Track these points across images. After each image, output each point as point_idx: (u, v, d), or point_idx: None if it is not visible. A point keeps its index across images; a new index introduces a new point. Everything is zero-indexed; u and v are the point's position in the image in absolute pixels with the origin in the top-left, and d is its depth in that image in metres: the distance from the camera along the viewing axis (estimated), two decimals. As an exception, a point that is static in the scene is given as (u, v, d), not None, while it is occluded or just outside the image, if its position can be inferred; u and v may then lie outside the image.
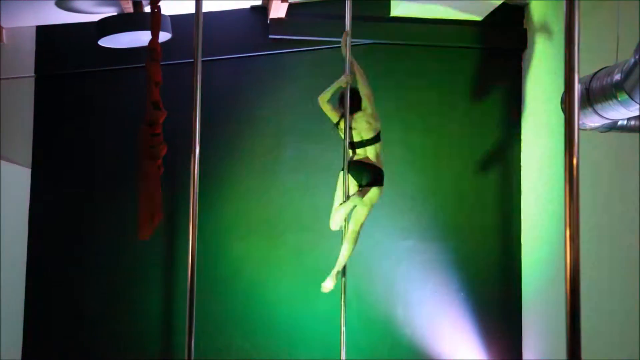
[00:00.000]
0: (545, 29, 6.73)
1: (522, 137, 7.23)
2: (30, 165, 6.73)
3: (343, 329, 5.30)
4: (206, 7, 5.60)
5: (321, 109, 5.32)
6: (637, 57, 3.37)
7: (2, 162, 6.11)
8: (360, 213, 5.23)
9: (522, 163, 7.23)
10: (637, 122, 4.24)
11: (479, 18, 6.95)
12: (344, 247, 5.26)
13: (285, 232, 6.91)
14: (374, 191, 5.23)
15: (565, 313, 2.48)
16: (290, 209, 7.00)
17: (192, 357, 3.66)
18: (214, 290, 6.76)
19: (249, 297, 6.88)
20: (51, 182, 6.82)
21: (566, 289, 2.48)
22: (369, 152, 5.29)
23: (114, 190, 6.84)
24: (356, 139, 5.27)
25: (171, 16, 5.78)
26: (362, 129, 5.26)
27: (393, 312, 7.00)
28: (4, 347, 6.22)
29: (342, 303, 5.28)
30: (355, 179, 5.26)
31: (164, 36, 5.49)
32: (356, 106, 5.25)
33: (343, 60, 5.34)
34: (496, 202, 7.26)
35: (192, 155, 3.73)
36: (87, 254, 6.83)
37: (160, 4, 4.77)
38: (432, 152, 7.22)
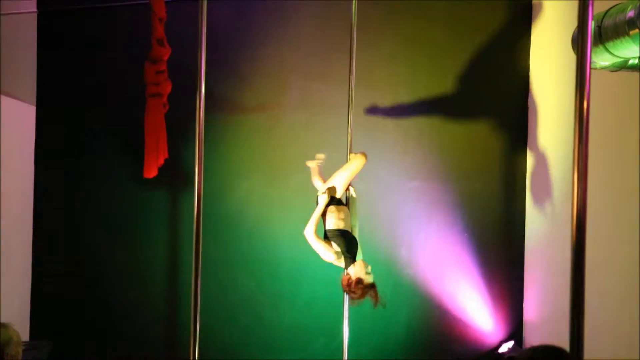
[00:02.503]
0: None
1: (530, 78, 7.15)
2: (34, 102, 6.70)
3: (344, 272, 5.35)
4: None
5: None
6: (651, -6, 3.30)
7: (7, 98, 6.06)
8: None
9: (529, 104, 7.17)
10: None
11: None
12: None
13: (289, 171, 6.92)
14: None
15: (570, 251, 2.50)
16: (295, 148, 6.99)
17: (199, 294, 3.69)
18: (219, 230, 6.81)
19: (254, 236, 6.94)
20: (56, 119, 6.81)
21: (572, 228, 2.49)
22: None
23: (119, 127, 6.83)
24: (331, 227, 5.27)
25: (175, -49, 5.66)
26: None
27: (396, 252, 7.06)
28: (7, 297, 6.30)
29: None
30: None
31: (167, -29, 5.39)
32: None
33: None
34: (502, 144, 7.23)
35: (198, 93, 3.69)
36: (92, 192, 6.86)
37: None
38: (438, 94, 7.15)
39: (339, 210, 5.24)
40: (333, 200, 5.29)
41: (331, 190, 5.29)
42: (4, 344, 2.96)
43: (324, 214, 5.25)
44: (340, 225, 5.19)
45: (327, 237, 5.20)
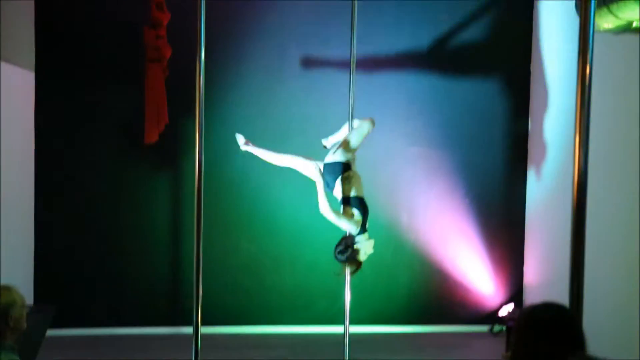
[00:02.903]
0: None
1: (533, 43, 7.10)
2: (33, 69, 6.65)
3: (347, 232, 5.38)
4: None
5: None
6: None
7: (5, 64, 6.01)
8: None
9: (531, 70, 7.13)
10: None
11: None
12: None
13: (290, 135, 6.90)
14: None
15: (571, 215, 2.51)
16: (296, 112, 6.97)
17: (201, 260, 3.72)
18: (220, 195, 6.83)
19: (255, 200, 6.96)
20: (55, 85, 6.76)
21: (573, 192, 2.50)
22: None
23: (120, 93, 6.79)
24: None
25: None
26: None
27: (397, 217, 7.08)
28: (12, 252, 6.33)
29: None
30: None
31: None
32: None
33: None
34: (504, 109, 7.21)
35: (197, 58, 3.67)
36: (93, 158, 6.85)
37: None
38: (442, 60, 7.11)
39: (356, 177, 5.25)
40: (349, 167, 5.28)
41: (344, 146, 5.29)
42: (8, 306, 2.98)
43: (344, 180, 5.24)
44: (360, 192, 5.21)
45: (348, 203, 5.17)
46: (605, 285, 5.29)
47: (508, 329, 6.33)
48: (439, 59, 7.12)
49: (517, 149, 7.22)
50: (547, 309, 2.04)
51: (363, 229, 5.12)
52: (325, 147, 5.71)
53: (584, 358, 0.80)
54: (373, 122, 5.40)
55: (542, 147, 6.86)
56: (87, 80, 6.80)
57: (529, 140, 7.17)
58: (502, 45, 7.18)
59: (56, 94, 6.76)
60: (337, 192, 5.25)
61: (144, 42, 5.94)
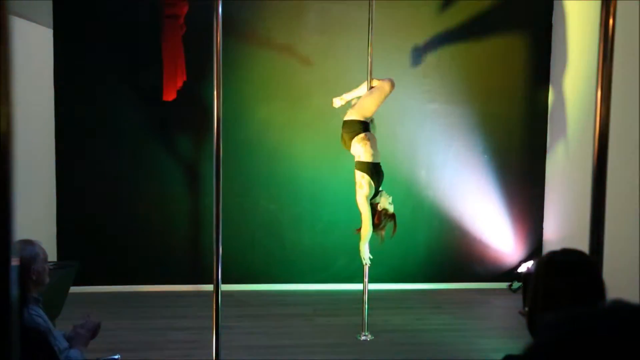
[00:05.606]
0: None
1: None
2: (51, 25, 6.63)
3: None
4: None
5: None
6: None
7: (22, 20, 5.99)
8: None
9: (553, 22, 7.00)
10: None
11: None
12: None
13: (309, 94, 6.87)
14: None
15: (591, 170, 2.48)
16: (315, 71, 6.92)
17: (220, 217, 3.74)
18: (239, 154, 6.83)
19: (274, 159, 6.95)
20: (74, 41, 6.74)
21: (594, 147, 2.47)
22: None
23: (137, 51, 6.77)
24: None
25: None
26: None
27: (416, 174, 7.06)
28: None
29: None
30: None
31: None
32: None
33: None
34: (524, 64, 7.10)
35: (215, 14, 3.63)
36: (112, 114, 6.86)
37: None
38: (460, 14, 7.00)
39: (374, 140, 5.25)
40: (367, 127, 5.27)
41: (363, 105, 5.31)
42: (31, 259, 3.02)
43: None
44: (378, 157, 5.22)
45: (362, 169, 5.17)
46: (625, 242, 5.26)
47: (524, 284, 6.33)
48: (459, 12, 7.00)
49: (537, 104, 7.13)
50: (567, 254, 2.01)
51: (376, 192, 5.21)
52: (335, 106, 5.74)
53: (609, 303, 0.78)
54: (393, 83, 5.36)
55: (563, 102, 6.77)
56: (104, 37, 6.77)
57: (549, 95, 7.08)
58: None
59: (74, 51, 6.75)
60: (353, 151, 5.26)
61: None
